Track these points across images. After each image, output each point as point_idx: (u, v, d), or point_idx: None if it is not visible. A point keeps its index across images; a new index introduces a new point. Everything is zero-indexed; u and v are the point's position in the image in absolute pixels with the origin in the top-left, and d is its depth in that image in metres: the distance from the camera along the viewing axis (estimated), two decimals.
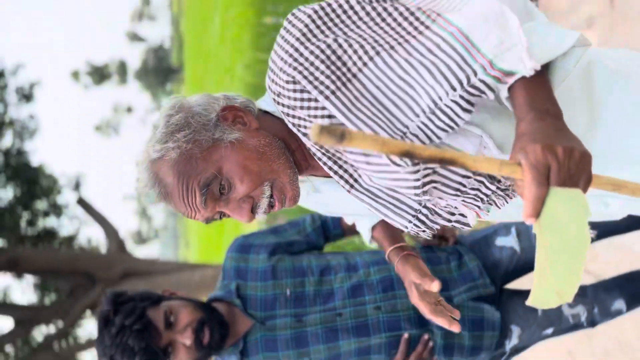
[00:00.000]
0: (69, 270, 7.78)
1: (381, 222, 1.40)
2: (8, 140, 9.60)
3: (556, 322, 1.76)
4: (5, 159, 9.26)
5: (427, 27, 0.92)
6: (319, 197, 1.21)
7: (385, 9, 0.95)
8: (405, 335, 1.63)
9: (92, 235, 10.26)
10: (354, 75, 0.92)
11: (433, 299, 1.22)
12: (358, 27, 0.94)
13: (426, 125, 0.92)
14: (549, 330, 1.77)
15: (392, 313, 1.66)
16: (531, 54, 0.85)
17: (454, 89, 0.89)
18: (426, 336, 1.65)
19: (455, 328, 1.18)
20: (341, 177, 1.02)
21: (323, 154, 1.01)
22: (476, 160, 0.70)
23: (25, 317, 7.84)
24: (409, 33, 0.92)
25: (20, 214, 9.07)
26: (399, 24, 0.94)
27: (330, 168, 1.01)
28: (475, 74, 0.88)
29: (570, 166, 0.74)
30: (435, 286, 1.15)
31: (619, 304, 1.83)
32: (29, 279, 8.53)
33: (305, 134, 1.00)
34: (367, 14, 0.95)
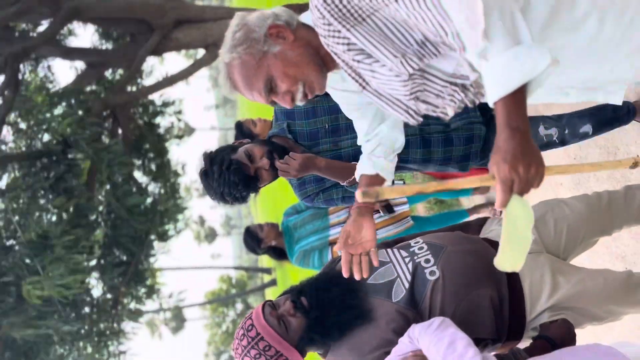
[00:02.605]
0: (126, 18, 8.31)
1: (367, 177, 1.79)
2: None
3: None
4: None
5: None
6: (345, 85, 1.63)
7: None
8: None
9: None
10: (368, 16, 1.31)
11: (360, 249, 1.64)
12: None
13: (419, 51, 1.32)
14: None
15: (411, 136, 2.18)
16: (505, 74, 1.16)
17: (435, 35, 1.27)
18: None
19: (357, 275, 1.61)
20: (356, 80, 1.44)
21: (344, 64, 1.41)
22: (465, 182, 1.24)
23: (95, 60, 8.71)
24: None
25: None
26: None
27: (349, 74, 1.43)
28: (447, 35, 1.25)
29: (528, 178, 1.14)
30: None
31: (587, 128, 2.33)
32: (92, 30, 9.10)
33: (333, 52, 1.40)
34: None
